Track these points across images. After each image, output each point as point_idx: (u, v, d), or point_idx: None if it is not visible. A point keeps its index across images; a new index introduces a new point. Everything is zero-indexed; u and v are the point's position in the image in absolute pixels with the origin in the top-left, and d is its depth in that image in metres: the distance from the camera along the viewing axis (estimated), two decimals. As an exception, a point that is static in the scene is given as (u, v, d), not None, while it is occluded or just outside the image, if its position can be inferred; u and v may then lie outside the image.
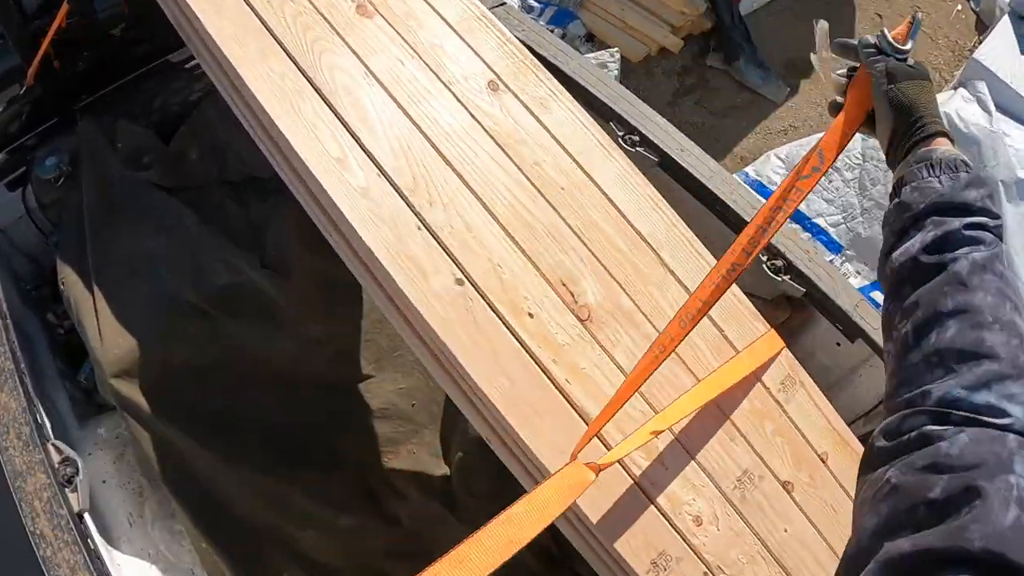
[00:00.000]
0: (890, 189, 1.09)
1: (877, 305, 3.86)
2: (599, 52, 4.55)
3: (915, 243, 0.96)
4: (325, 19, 1.93)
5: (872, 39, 1.19)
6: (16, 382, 2.08)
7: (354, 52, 1.88)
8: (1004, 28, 4.33)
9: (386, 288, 1.64)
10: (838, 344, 2.37)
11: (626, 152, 2.52)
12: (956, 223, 0.94)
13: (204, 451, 2.35)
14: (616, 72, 4.50)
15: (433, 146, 1.79)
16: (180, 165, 2.70)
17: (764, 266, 2.39)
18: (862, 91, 1.21)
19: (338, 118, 1.76)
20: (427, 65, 1.92)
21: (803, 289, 2.34)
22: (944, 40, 5.31)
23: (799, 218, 4.22)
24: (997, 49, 4.20)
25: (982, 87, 4.04)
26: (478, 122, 1.85)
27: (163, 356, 2.37)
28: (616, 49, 4.56)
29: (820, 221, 4.17)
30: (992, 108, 3.97)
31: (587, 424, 1.53)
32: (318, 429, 2.51)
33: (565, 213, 1.77)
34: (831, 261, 4.13)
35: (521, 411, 1.53)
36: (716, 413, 1.68)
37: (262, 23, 1.86)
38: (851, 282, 3.95)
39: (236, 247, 2.46)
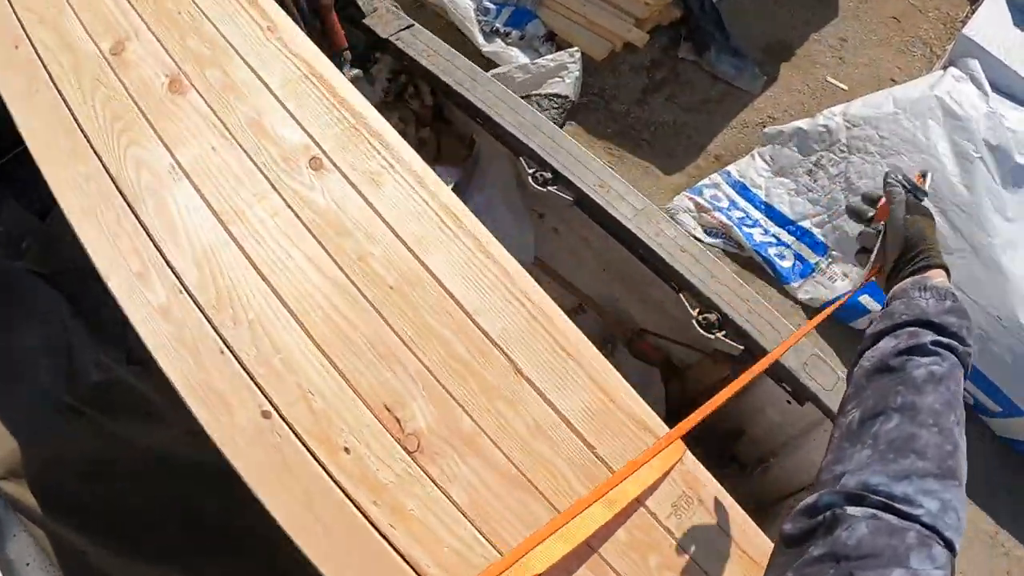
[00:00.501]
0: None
1: (859, 310, 3.56)
2: (557, 53, 4.23)
3: (886, 347, 1.04)
4: (135, 103, 1.73)
5: (897, 176, 1.30)
6: None
7: (162, 141, 1.67)
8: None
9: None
10: (788, 402, 2.06)
11: (536, 192, 2.25)
12: (928, 338, 1.01)
13: (99, 547, 2.20)
14: (577, 73, 4.19)
15: (242, 250, 1.54)
16: (56, 249, 2.50)
17: (694, 321, 2.08)
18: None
19: (141, 225, 1.57)
20: (241, 148, 1.66)
21: (740, 347, 2.03)
22: (935, 12, 4.87)
23: (783, 221, 3.87)
24: (988, 23, 3.76)
25: (974, 65, 3.63)
26: (295, 214, 1.58)
27: (47, 456, 2.23)
28: (576, 49, 4.23)
29: (805, 223, 3.82)
30: (987, 88, 3.57)
31: (416, 572, 1.30)
32: (217, 516, 2.32)
33: (392, 319, 1.49)
34: (816, 264, 3.76)
35: (337, 563, 1.30)
36: (584, 551, 1.38)
37: (72, 115, 1.70)
38: (838, 285, 3.61)
39: (107, 342, 2.27)
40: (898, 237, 1.23)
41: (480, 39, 4.42)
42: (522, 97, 4.12)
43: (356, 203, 1.58)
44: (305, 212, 1.58)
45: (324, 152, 1.64)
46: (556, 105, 4.19)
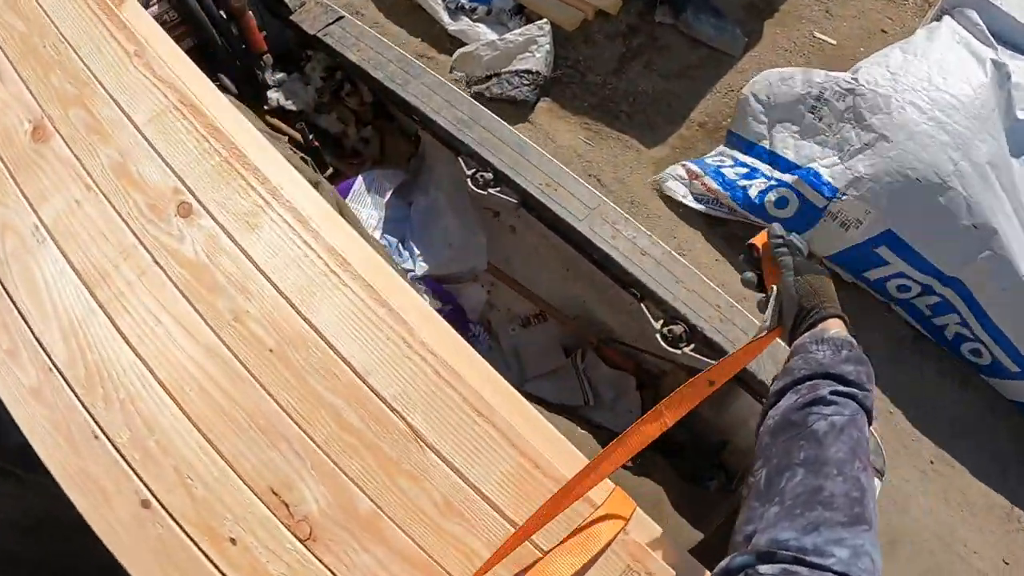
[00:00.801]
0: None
1: (876, 262, 3.31)
2: (526, 27, 3.97)
3: (788, 403, 1.05)
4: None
5: (781, 238, 1.29)
6: None
7: (26, 199, 1.52)
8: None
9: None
10: (770, 415, 1.84)
11: (478, 196, 2.04)
12: (827, 389, 1.02)
13: None
14: (548, 46, 3.94)
15: (109, 318, 1.38)
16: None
17: (658, 335, 1.86)
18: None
19: (8, 296, 1.43)
20: (106, 198, 1.48)
21: (712, 361, 1.81)
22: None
23: (788, 167, 3.55)
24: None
25: (972, 15, 3.33)
26: (162, 270, 1.39)
27: None
28: (545, 21, 3.97)
29: (814, 166, 3.44)
30: (991, 39, 3.27)
31: None
32: None
33: (274, 388, 1.30)
34: (825, 208, 3.46)
35: None
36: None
37: None
38: (851, 234, 3.32)
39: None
40: (792, 302, 1.21)
41: (445, 17, 4.17)
42: (491, 76, 3.91)
43: (230, 252, 1.39)
44: (174, 268, 1.39)
45: (193, 194, 1.44)
46: (528, 82, 3.94)
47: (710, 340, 1.81)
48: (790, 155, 3.56)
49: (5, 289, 1.43)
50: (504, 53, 3.94)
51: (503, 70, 3.95)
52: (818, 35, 4.14)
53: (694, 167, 3.69)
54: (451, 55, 4.11)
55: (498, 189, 2.07)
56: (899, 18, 4.22)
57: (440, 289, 2.38)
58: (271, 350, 1.31)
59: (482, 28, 4.12)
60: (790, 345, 1.20)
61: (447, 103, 2.18)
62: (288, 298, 1.34)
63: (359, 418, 1.27)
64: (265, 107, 2.47)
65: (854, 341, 1.12)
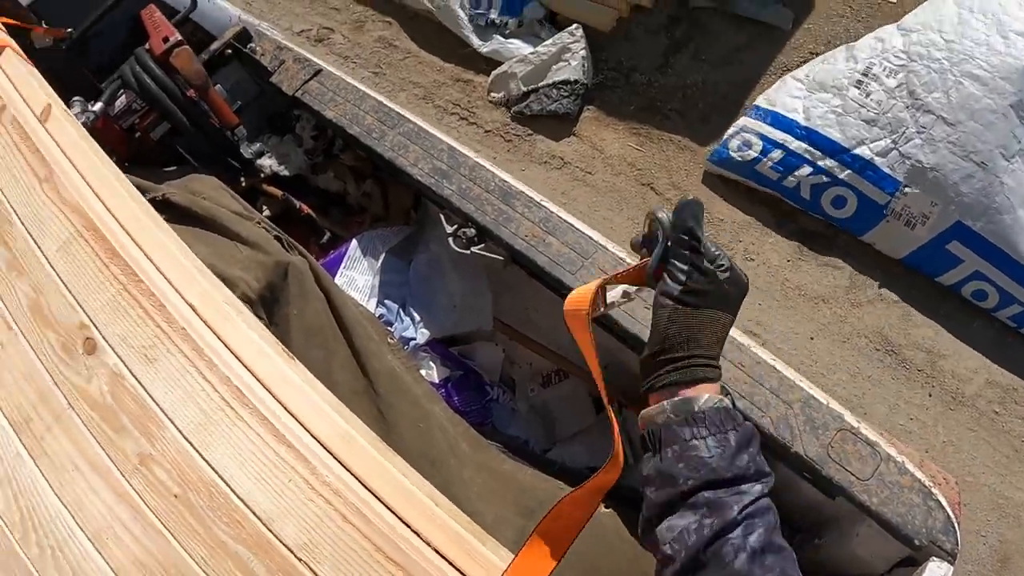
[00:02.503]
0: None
1: (948, 261, 2.93)
2: (557, 36, 3.79)
3: (691, 533, 0.87)
4: None
5: (665, 223, 0.97)
6: None
7: None
8: None
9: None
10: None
11: (460, 255, 1.90)
12: (733, 509, 0.86)
13: None
14: (583, 52, 3.74)
15: (35, 463, 1.35)
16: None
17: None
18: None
19: None
20: (25, 339, 1.44)
21: (746, 422, 1.59)
22: None
23: (833, 150, 3.19)
24: None
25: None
26: (75, 412, 1.34)
27: None
28: (576, 26, 3.77)
29: (863, 151, 3.12)
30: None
31: None
32: None
33: (183, 537, 1.20)
34: (887, 204, 3.13)
35: None
36: None
37: None
38: (917, 233, 3.01)
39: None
40: (658, 335, 0.97)
41: (475, 40, 4.04)
42: (529, 93, 3.75)
43: (132, 391, 1.30)
44: (84, 410, 1.32)
45: (97, 328, 1.36)
46: (567, 93, 3.77)
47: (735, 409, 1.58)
48: (834, 133, 3.20)
49: None
50: (538, 67, 3.78)
51: (540, 85, 3.79)
52: (878, -7, 3.78)
53: (719, 169, 3.42)
54: (488, 76, 3.98)
55: (482, 246, 1.93)
56: (969, -33, 3.78)
57: (449, 354, 2.23)
58: (176, 495, 1.21)
59: (515, 43, 3.97)
60: (641, 392, 1.00)
61: (425, 152, 2.05)
62: (188, 437, 1.24)
63: (267, 570, 1.15)
64: (261, 175, 2.41)
65: (730, 406, 0.95)
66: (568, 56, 3.75)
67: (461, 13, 4.04)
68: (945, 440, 2.95)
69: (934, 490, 1.43)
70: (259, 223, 1.97)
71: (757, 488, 0.89)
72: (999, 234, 2.96)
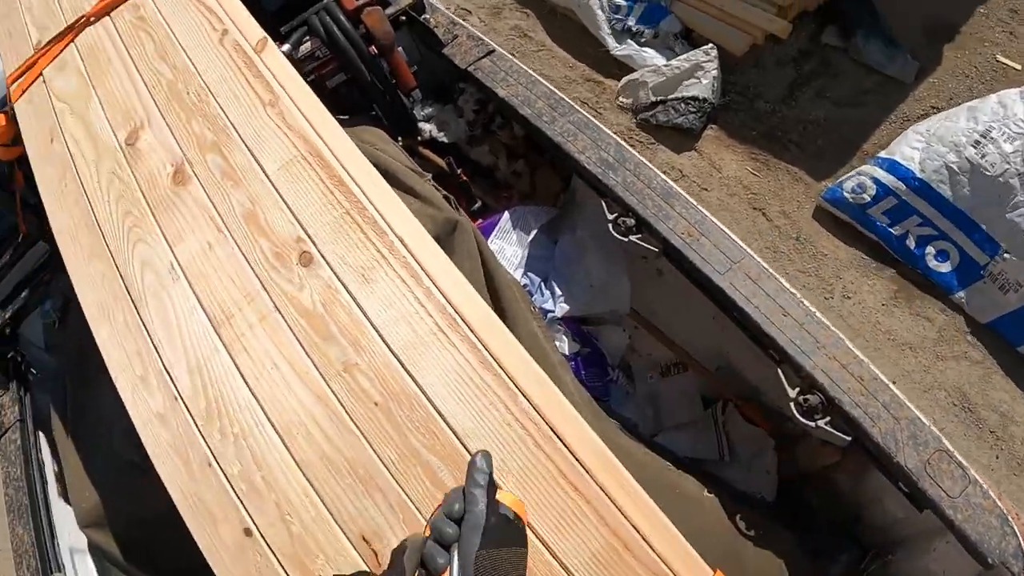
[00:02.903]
0: None
1: None
2: (692, 52, 3.87)
3: None
4: (143, 196, 1.70)
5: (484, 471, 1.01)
6: (28, 517, 2.30)
7: (165, 238, 1.63)
8: None
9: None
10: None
11: (618, 241, 2.00)
12: None
13: None
14: (715, 72, 3.82)
15: (231, 357, 1.46)
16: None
17: (792, 403, 1.75)
18: None
19: (144, 327, 1.55)
20: (235, 242, 1.55)
21: (847, 437, 1.68)
22: None
23: (943, 206, 3.25)
24: None
25: None
26: (281, 316, 1.45)
27: (122, 510, 2.36)
28: (711, 46, 3.85)
29: (971, 211, 3.18)
30: None
31: None
32: None
33: (376, 441, 1.31)
34: (986, 266, 3.18)
35: None
36: None
37: (91, 210, 1.73)
38: (1010, 298, 3.05)
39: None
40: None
41: (611, 42, 4.14)
42: (657, 103, 3.84)
43: (344, 304, 1.41)
44: (292, 315, 1.44)
45: (315, 244, 1.48)
46: (694, 109, 3.85)
47: (848, 415, 1.67)
48: (945, 191, 3.25)
49: (142, 321, 1.55)
50: (670, 79, 3.86)
51: (669, 97, 3.88)
52: (1001, 59, 3.80)
53: (832, 208, 3.47)
54: (618, 80, 4.08)
55: (639, 236, 2.02)
56: (1090, 41, 3.82)
57: (580, 331, 2.34)
58: (376, 403, 1.32)
59: (649, 52, 4.06)
60: None
61: (593, 143, 2.15)
62: (397, 354, 1.35)
63: (454, 480, 1.26)
64: (419, 138, 2.53)
65: None
66: (700, 74, 3.83)
67: (601, 15, 4.14)
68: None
69: (1010, 518, 1.52)
70: (428, 180, 2.09)
71: None
72: None
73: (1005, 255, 3.13)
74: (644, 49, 4.08)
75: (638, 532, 1.20)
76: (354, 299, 1.41)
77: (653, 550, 1.19)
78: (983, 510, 1.53)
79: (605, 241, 2.37)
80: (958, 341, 3.24)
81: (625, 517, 1.21)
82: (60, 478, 2.65)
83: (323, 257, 1.46)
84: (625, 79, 4.01)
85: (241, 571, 1.30)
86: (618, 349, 2.45)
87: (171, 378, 1.47)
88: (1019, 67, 3.73)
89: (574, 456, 1.24)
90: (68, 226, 1.75)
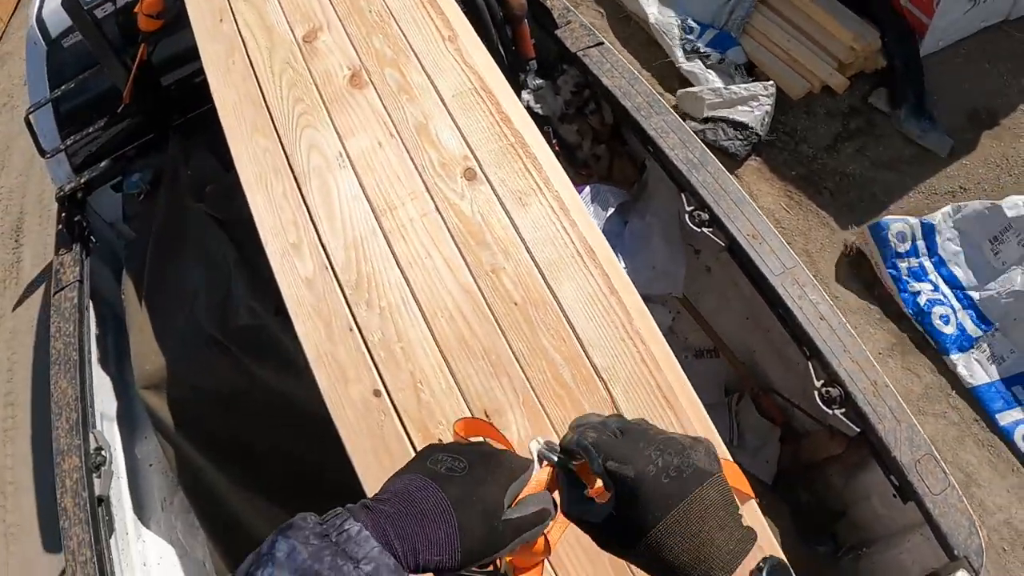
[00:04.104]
0: None
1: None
2: (752, 84, 4.16)
3: None
4: (317, 89, 1.91)
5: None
6: (76, 372, 2.45)
7: (336, 129, 1.84)
8: None
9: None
10: (893, 495, 1.98)
11: (691, 232, 2.26)
12: None
13: (220, 473, 2.49)
14: (768, 107, 4.11)
15: (388, 243, 1.68)
16: (234, 199, 2.75)
17: (816, 392, 2.04)
18: None
19: (304, 202, 1.75)
20: (405, 147, 1.78)
21: (856, 428, 1.98)
22: None
23: (954, 284, 3.68)
24: None
25: None
26: (442, 217, 1.68)
27: (188, 379, 2.54)
28: (771, 83, 4.15)
29: (974, 294, 3.61)
30: None
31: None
32: (329, 467, 2.52)
33: (511, 334, 1.55)
34: (978, 338, 3.56)
35: None
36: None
37: (260, 90, 1.92)
38: (992, 369, 3.40)
39: (262, 291, 2.47)
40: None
41: (680, 56, 4.42)
42: (709, 120, 4.12)
43: (500, 218, 1.66)
44: (451, 218, 1.67)
45: (479, 164, 1.72)
46: (741, 136, 4.13)
47: (860, 409, 1.98)
48: (959, 273, 3.70)
49: (302, 194, 1.76)
50: (727, 102, 4.14)
51: (720, 116, 4.15)
52: (1034, 158, 4.14)
53: (873, 241, 3.80)
54: (674, 94, 4.34)
55: (711, 230, 2.28)
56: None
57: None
58: (516, 303, 1.57)
59: (712, 75, 4.33)
60: None
61: (681, 143, 2.42)
62: (540, 268, 1.60)
63: (572, 377, 1.51)
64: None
65: None
66: (755, 105, 4.11)
67: (675, 31, 4.42)
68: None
69: (976, 522, 1.84)
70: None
71: None
72: None
73: (996, 333, 3.54)
74: (708, 71, 4.35)
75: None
76: (509, 216, 1.66)
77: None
78: (956, 511, 1.84)
79: (670, 231, 2.64)
80: (941, 400, 3.55)
81: (701, 433, 1.48)
82: (102, 342, 2.84)
83: (486, 176, 1.71)
84: (684, 90, 4.28)
85: (364, 426, 1.50)
86: (660, 326, 2.72)
87: (325, 250, 1.68)
88: (1048, 169, 4.06)
89: (666, 377, 1.51)
90: (232, 100, 1.94)
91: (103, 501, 2.32)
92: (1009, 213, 3.52)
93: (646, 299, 2.73)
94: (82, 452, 2.30)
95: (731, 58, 4.39)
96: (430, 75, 1.87)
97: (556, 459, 0.82)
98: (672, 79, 4.46)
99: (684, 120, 4.19)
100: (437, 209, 1.69)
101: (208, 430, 2.52)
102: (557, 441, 0.83)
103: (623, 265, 2.53)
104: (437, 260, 1.64)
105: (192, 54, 2.14)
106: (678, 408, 1.49)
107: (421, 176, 1.74)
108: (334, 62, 1.95)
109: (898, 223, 3.73)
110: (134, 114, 2.92)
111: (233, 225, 2.62)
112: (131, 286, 2.74)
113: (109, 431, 2.66)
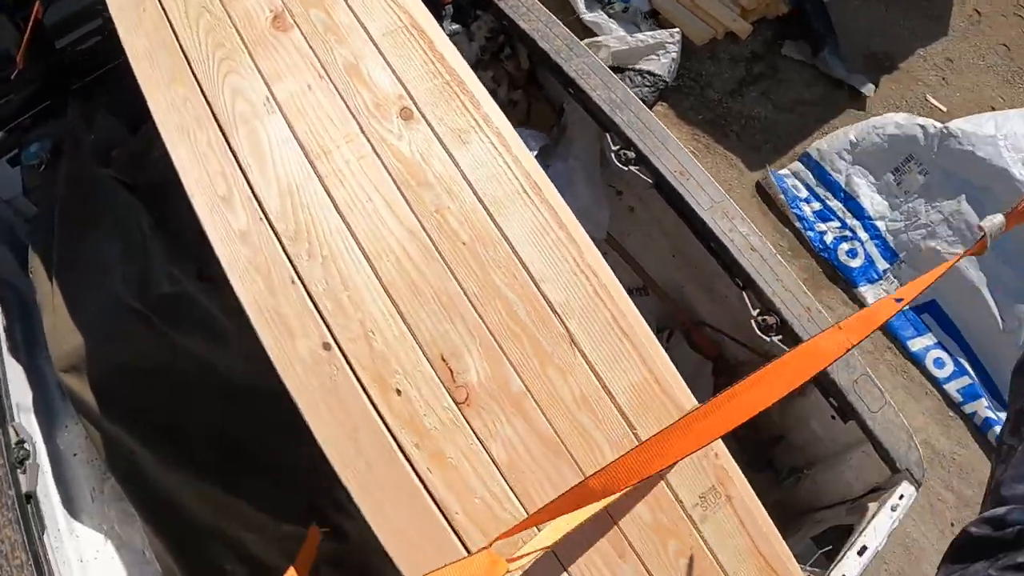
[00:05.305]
0: None
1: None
2: (658, 31, 4.19)
3: None
4: (238, 33, 1.80)
5: None
6: None
7: (260, 74, 1.74)
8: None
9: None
10: (832, 417, 2.05)
11: (617, 170, 2.26)
12: None
13: (149, 451, 2.36)
14: (675, 54, 4.15)
15: (325, 188, 1.60)
16: (143, 160, 2.61)
17: (753, 321, 2.08)
18: None
19: (231, 151, 1.65)
20: (336, 89, 1.71)
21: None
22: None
23: (861, 215, 3.84)
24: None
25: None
26: (380, 159, 1.63)
27: (110, 357, 2.39)
28: (677, 30, 4.18)
29: (881, 224, 3.79)
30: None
31: (445, 517, 1.36)
32: (263, 439, 2.42)
33: (461, 274, 1.53)
34: (885, 271, 3.73)
35: (374, 497, 1.37)
36: (607, 522, 1.41)
37: (175, 38, 1.78)
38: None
39: (181, 255, 2.34)
40: None
41: (581, 6, 4.40)
42: (616, 70, 4.12)
43: (440, 157, 1.62)
44: (390, 159, 1.62)
45: (415, 104, 1.68)
46: (649, 83, 4.15)
47: (796, 335, 2.03)
48: (865, 203, 3.85)
49: (229, 143, 1.65)
50: (633, 51, 4.15)
51: (628, 67, 4.16)
52: (930, 99, 4.32)
53: (773, 182, 3.90)
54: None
55: (637, 168, 2.29)
56: (1011, 98, 4.38)
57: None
58: (464, 243, 1.54)
59: (615, 25, 4.33)
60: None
61: (603, 84, 2.41)
62: (486, 205, 1.57)
63: (527, 314, 1.49)
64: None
65: None
66: (662, 53, 4.14)
67: (576, -19, 4.40)
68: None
69: (914, 437, 1.94)
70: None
71: None
72: (961, 317, 3.61)
73: (902, 265, 3.74)
74: (612, 21, 4.36)
75: (666, 371, 1.48)
76: (450, 154, 1.62)
77: (677, 394, 1.48)
78: (895, 426, 1.93)
79: (591, 172, 2.65)
80: (852, 331, 3.69)
81: (657, 363, 1.50)
82: (10, 331, 2.67)
83: (423, 115, 1.66)
84: (589, 40, 4.27)
85: (316, 383, 1.42)
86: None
87: (258, 200, 1.58)
88: (944, 109, 4.24)
89: (620, 308, 1.51)
90: (145, 49, 1.80)
91: (31, 498, 2.15)
92: (909, 144, 3.66)
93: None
94: (3, 446, 2.14)
95: (635, 6, 4.41)
96: (357, 15, 1.80)
97: None
98: (577, 30, 4.41)
99: (591, 70, 4.22)
100: (374, 151, 1.64)
101: (135, 408, 2.38)
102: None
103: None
104: (378, 203, 1.59)
105: (89, 12, 2.00)
106: (635, 340, 1.50)
107: (355, 118, 1.67)
108: (254, 4, 1.85)
109: (788, 178, 3.85)
110: (29, 80, 2.69)
111: (145, 189, 2.48)
112: (39, 264, 2.56)
113: (27, 423, 2.51)
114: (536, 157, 2.60)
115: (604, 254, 2.77)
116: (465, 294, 1.51)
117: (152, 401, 2.39)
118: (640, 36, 4.17)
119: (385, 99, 1.69)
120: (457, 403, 1.44)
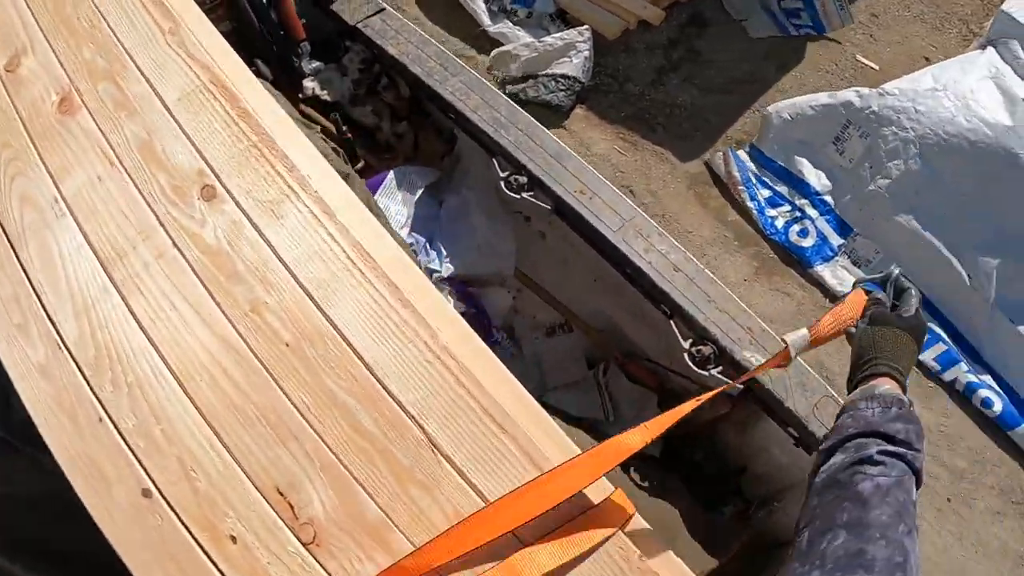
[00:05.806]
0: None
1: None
2: (566, 32, 3.92)
3: (835, 461, 1.03)
4: (24, 127, 1.55)
5: (880, 294, 1.30)
6: None
7: (48, 171, 1.49)
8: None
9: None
10: (796, 444, 1.78)
11: (510, 200, 1.99)
12: (874, 448, 1.01)
13: None
14: (587, 53, 3.89)
15: (123, 299, 1.35)
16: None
17: (685, 354, 1.80)
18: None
19: (22, 270, 1.40)
20: (129, 176, 1.44)
21: (740, 386, 1.74)
22: (972, -17, 4.42)
23: (807, 193, 3.60)
24: (1030, -2, 3.33)
25: (1016, 48, 3.24)
26: (181, 253, 1.35)
27: None
28: (586, 27, 3.92)
29: (829, 199, 3.56)
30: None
31: None
32: None
33: (288, 384, 1.25)
34: (840, 246, 3.49)
35: None
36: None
37: None
38: (860, 272, 3.33)
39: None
40: (856, 344, 1.22)
41: (485, 19, 4.13)
42: (528, 78, 3.86)
43: (251, 239, 1.34)
44: (193, 253, 1.35)
45: (218, 178, 1.40)
46: (564, 87, 3.90)
47: (738, 363, 1.75)
48: (810, 179, 3.62)
49: (20, 262, 1.41)
50: (543, 56, 3.90)
51: (540, 73, 3.91)
52: (860, 59, 4.08)
53: (731, 158, 3.67)
54: (489, 55, 4.07)
55: (531, 194, 2.03)
56: (943, 45, 4.14)
57: (465, 292, 2.33)
58: (287, 344, 1.26)
59: (522, 32, 4.08)
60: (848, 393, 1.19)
61: (484, 103, 2.14)
62: (308, 291, 1.29)
63: (373, 421, 1.22)
64: (300, 96, 2.44)
65: (905, 400, 1.10)
66: (573, 54, 3.88)
67: (477, -8, 4.14)
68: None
69: None
70: (316, 132, 2.02)
71: (902, 450, 1.02)
72: (923, 280, 3.32)
73: (857, 237, 3.48)
74: (518, 28, 4.10)
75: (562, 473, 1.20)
76: (261, 234, 1.35)
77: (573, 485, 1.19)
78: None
79: (490, 202, 2.37)
80: (816, 313, 3.43)
81: (547, 455, 1.22)
82: None
83: (227, 191, 1.39)
84: (497, 51, 4.01)
85: (140, 536, 1.19)
86: (502, 310, 2.46)
87: (54, 324, 1.34)
88: (877, 67, 4.00)
89: (493, 396, 1.23)
90: None
91: None
92: (845, 111, 3.42)
93: (478, 283, 2.48)
94: None
95: (540, 9, 4.16)
96: (150, 80, 1.52)
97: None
98: (484, 42, 4.17)
99: (503, 82, 3.96)
100: (175, 244, 1.36)
101: (15, 539, 2.15)
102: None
103: (443, 252, 2.25)
104: (183, 310, 1.31)
105: None
106: (514, 431, 1.22)
107: (151, 207, 1.40)
108: (40, 89, 1.59)
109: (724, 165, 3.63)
110: None
111: None
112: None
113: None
114: (425, 194, 2.33)
115: (517, 291, 2.55)
116: (296, 408, 1.23)
117: (35, 528, 2.12)
118: (548, 40, 3.91)
119: (183, 179, 1.41)
120: (304, 544, 1.16)
